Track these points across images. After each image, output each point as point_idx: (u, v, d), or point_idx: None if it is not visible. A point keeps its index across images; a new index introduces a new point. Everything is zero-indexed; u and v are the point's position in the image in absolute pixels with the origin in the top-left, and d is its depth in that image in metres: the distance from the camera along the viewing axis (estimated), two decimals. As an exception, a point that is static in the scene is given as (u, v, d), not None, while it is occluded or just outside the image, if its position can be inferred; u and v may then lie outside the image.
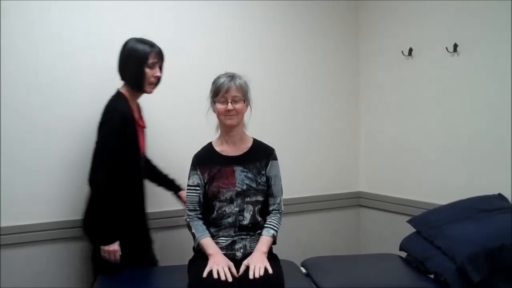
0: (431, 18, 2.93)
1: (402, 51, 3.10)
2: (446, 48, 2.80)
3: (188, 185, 2.12)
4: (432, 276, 2.29)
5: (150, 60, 2.27)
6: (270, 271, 1.93)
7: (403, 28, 3.13)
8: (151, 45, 2.30)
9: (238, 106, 2.06)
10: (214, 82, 2.09)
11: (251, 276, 1.90)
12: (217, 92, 2.06)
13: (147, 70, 2.27)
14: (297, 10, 3.22)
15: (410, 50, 3.06)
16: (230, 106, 2.04)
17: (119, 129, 2.20)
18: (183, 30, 2.85)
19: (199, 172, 2.11)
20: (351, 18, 3.43)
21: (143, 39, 2.32)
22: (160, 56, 2.32)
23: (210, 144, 2.18)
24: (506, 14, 2.53)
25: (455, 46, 2.77)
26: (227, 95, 2.04)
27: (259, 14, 3.06)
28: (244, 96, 2.07)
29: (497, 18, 2.58)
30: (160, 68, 2.34)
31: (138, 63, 2.27)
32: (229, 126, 2.08)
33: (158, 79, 2.33)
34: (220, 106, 2.06)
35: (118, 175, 2.23)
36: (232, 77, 2.08)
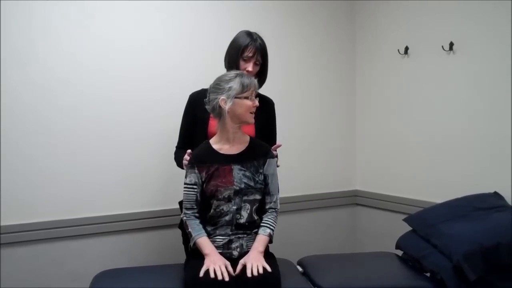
0: (427, 16, 2.93)
1: (398, 50, 3.10)
2: (442, 47, 2.81)
3: (185, 184, 2.11)
4: (428, 274, 2.29)
5: (245, 53, 2.22)
6: (269, 269, 1.93)
7: (399, 26, 3.13)
8: (253, 39, 2.24)
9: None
10: (234, 80, 2.04)
11: (249, 274, 1.90)
12: (246, 89, 2.04)
13: (241, 63, 2.24)
14: (292, 10, 3.21)
15: (406, 48, 3.06)
16: (256, 102, 2.08)
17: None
18: (178, 29, 2.85)
19: (196, 171, 2.09)
20: (347, 17, 3.43)
21: (251, 32, 2.28)
22: (259, 52, 2.23)
23: (207, 142, 2.16)
24: (502, 13, 2.53)
25: (451, 44, 2.77)
26: (253, 92, 2.07)
27: (253, 15, 3.05)
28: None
29: (493, 17, 2.59)
30: (260, 64, 2.27)
31: (234, 54, 2.24)
32: (249, 123, 2.11)
33: (252, 74, 2.22)
34: (249, 103, 2.05)
35: None
36: (247, 74, 2.10)
